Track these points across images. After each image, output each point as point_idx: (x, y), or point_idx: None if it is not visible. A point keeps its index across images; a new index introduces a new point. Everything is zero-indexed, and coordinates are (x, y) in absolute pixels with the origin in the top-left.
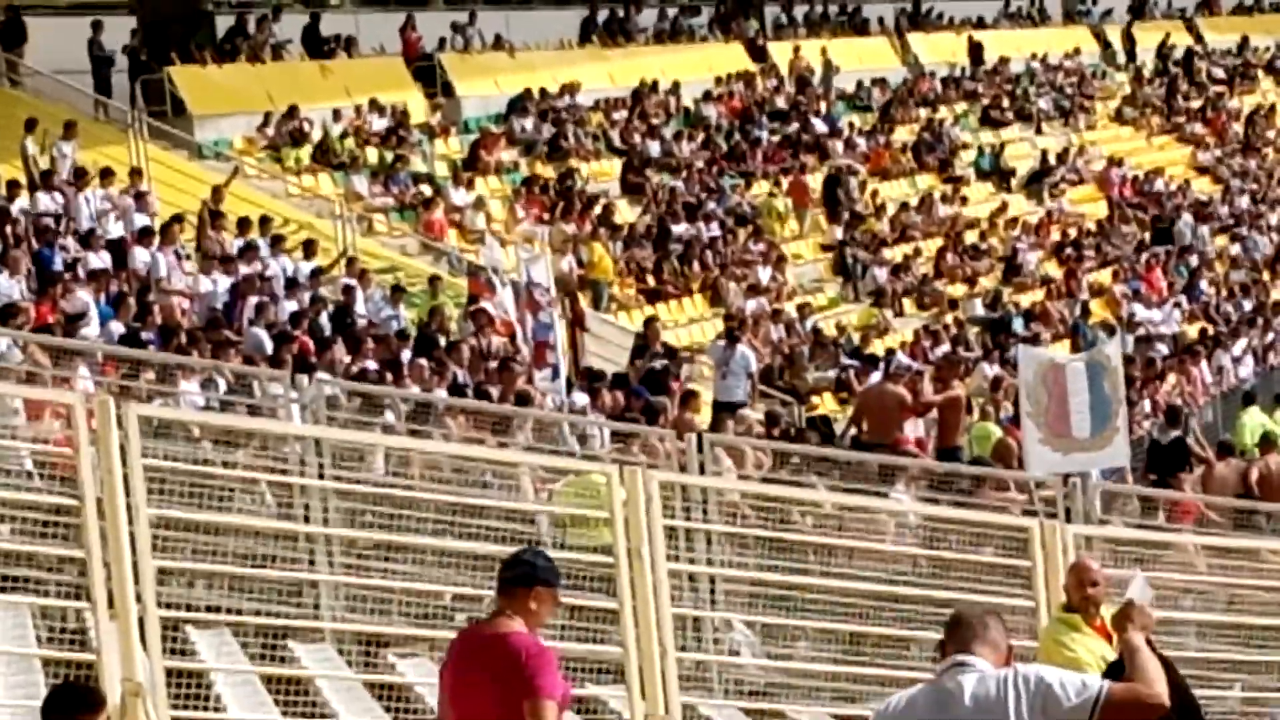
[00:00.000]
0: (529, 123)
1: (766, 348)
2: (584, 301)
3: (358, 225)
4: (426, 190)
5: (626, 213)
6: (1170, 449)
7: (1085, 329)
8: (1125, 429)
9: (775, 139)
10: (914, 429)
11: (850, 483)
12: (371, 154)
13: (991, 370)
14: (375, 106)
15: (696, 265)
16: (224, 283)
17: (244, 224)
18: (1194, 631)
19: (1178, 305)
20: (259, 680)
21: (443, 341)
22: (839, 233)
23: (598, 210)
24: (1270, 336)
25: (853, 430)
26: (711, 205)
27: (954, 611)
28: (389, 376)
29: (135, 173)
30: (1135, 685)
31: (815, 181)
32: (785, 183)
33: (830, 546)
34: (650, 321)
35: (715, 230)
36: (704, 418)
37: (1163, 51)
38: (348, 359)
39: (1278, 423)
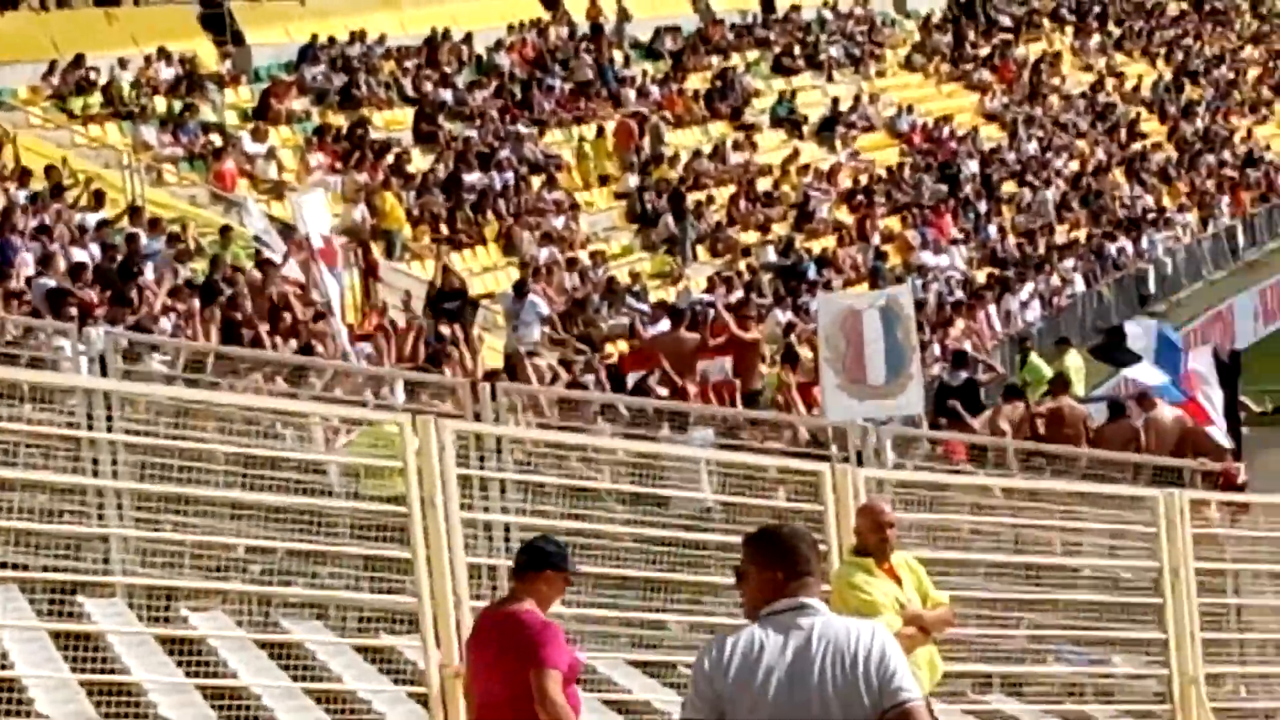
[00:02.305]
0: (320, 71)
1: (560, 296)
2: (377, 251)
3: (146, 175)
4: (217, 140)
5: (419, 161)
6: (960, 391)
7: (884, 271)
8: (919, 376)
9: (568, 87)
10: (718, 373)
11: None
12: (160, 103)
13: (784, 317)
14: (164, 55)
15: (490, 214)
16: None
17: (26, 175)
18: (983, 572)
19: (966, 250)
20: (48, 636)
21: (229, 292)
22: (633, 180)
23: (390, 159)
24: (1056, 281)
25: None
26: (505, 153)
27: (786, 533)
28: (179, 327)
29: None
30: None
31: (609, 129)
32: (610, 126)
33: (624, 493)
34: (444, 269)
35: (509, 179)
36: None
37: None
38: (137, 310)
39: (1063, 366)
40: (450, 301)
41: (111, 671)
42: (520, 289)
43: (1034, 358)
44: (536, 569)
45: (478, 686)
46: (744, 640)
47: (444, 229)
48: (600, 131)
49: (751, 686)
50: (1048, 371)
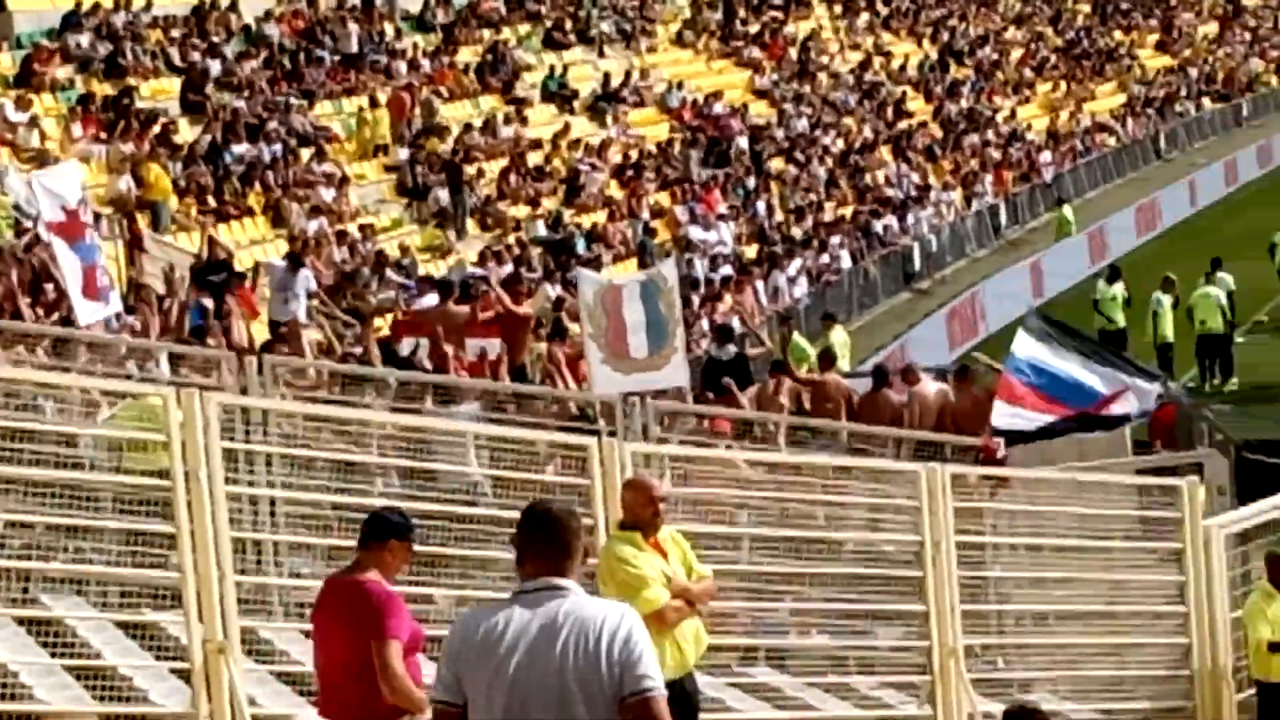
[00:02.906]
0: (85, 39)
1: (329, 269)
2: (142, 222)
3: None
4: None
5: (186, 132)
6: (729, 366)
7: (652, 247)
8: (683, 348)
9: (338, 59)
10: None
11: (413, 403)
12: None
13: (554, 291)
14: None
15: (258, 186)
16: None
17: None
18: (749, 546)
19: (735, 226)
20: None
21: None
22: (403, 154)
23: (156, 129)
24: (825, 258)
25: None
26: (273, 125)
27: (539, 508)
28: None
29: None
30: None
31: (382, 101)
32: (384, 97)
33: (391, 467)
34: (210, 240)
35: (278, 150)
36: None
37: None
38: None
39: (829, 342)
40: (216, 274)
41: None
42: (295, 261)
43: (796, 337)
44: (381, 539)
45: (322, 655)
46: (490, 618)
47: (211, 200)
48: (374, 103)
49: (490, 664)
50: (811, 350)
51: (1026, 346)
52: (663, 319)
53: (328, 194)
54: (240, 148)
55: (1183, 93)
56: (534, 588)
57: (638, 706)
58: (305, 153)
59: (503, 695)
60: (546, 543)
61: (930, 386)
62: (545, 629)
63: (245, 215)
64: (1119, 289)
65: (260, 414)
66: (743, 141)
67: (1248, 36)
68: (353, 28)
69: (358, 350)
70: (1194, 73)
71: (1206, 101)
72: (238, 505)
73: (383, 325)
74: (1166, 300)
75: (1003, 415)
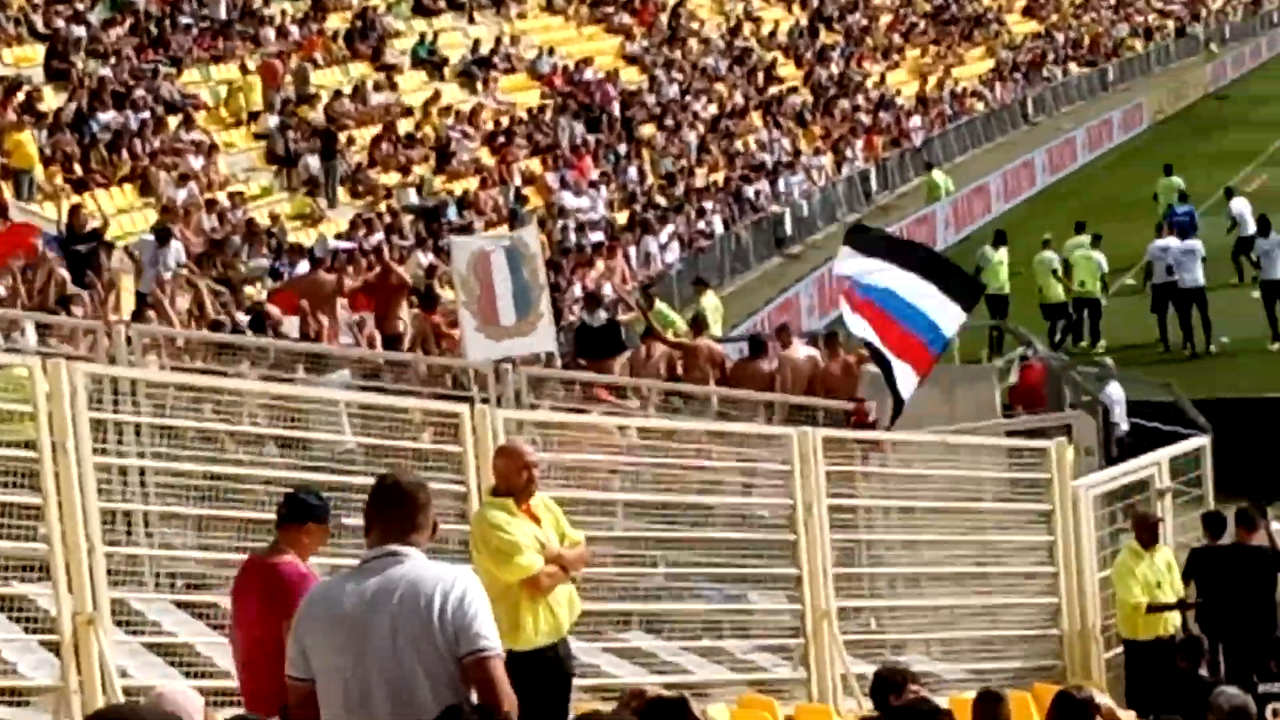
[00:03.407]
0: None
1: (199, 237)
2: (7, 191)
3: None
4: None
5: (51, 100)
6: (601, 332)
7: (523, 214)
8: (550, 314)
9: (206, 26)
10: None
11: (289, 372)
12: None
13: (426, 258)
14: None
15: (125, 154)
16: None
17: None
18: (622, 511)
19: (606, 192)
20: None
21: None
22: (272, 122)
23: (20, 97)
24: (698, 224)
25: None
26: (140, 93)
27: (388, 480)
28: None
29: None
30: (504, 686)
31: (252, 68)
32: (253, 64)
33: (263, 436)
34: (75, 209)
35: (145, 118)
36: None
37: None
38: None
39: (701, 308)
40: (83, 243)
41: None
42: (163, 236)
43: (659, 303)
44: (299, 521)
45: (240, 634)
46: (331, 590)
47: (77, 169)
48: (245, 70)
49: (330, 635)
50: (675, 316)
51: (850, 264)
52: (527, 285)
53: (196, 162)
54: (107, 115)
55: (1050, 58)
56: (374, 555)
57: (473, 666)
58: (173, 121)
59: (345, 665)
60: (393, 513)
61: (801, 352)
62: (380, 594)
63: (112, 184)
64: (1004, 253)
65: (129, 384)
66: (614, 108)
67: (1113, 1)
68: None
69: (226, 319)
70: (1060, 38)
71: (1073, 66)
72: (106, 476)
73: (252, 293)
74: (1054, 259)
75: (858, 325)
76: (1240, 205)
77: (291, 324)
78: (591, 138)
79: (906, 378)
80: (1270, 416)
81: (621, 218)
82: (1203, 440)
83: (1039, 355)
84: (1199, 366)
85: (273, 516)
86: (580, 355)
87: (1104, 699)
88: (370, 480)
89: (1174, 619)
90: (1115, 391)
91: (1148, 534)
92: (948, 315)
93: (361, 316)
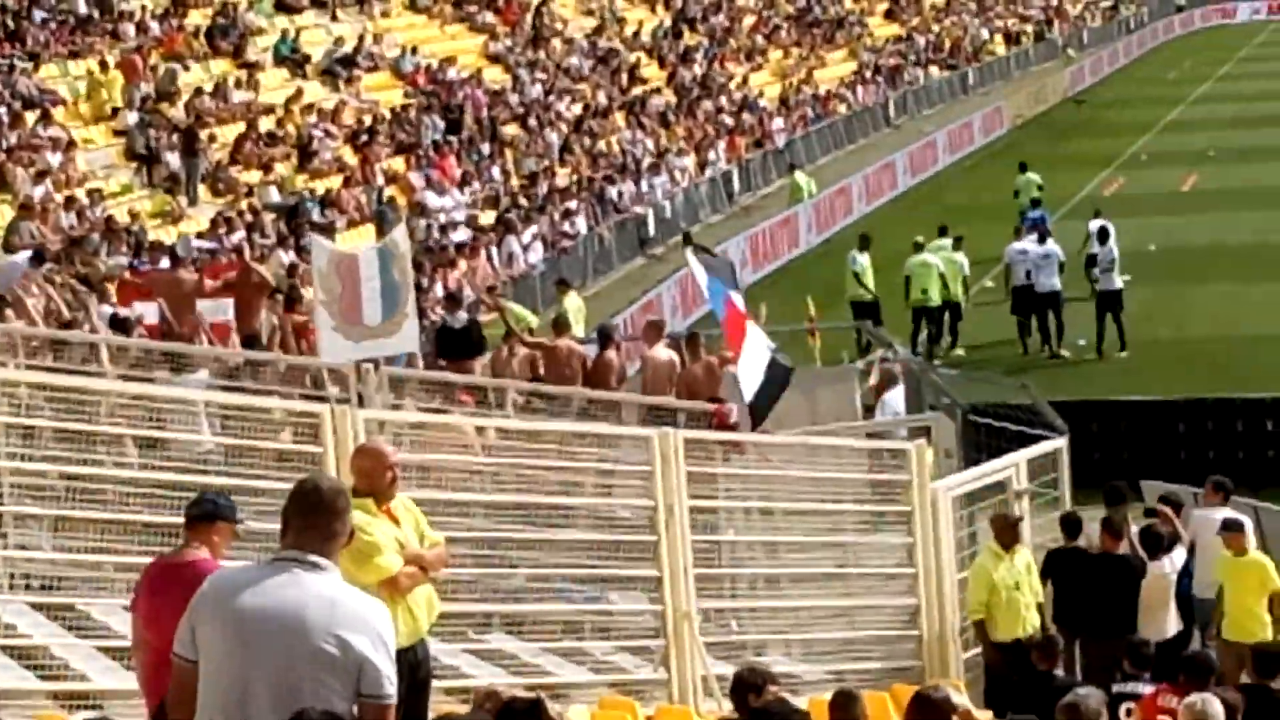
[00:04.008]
0: None
1: (57, 235)
2: None
3: None
4: None
5: None
6: (461, 334)
7: (389, 215)
8: (415, 314)
9: (62, 19)
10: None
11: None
12: None
13: (287, 257)
14: None
15: None
16: None
17: None
18: (483, 512)
19: (469, 192)
20: None
21: None
22: (132, 118)
23: None
24: (561, 225)
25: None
26: None
27: (308, 484)
28: None
29: None
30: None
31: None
32: (112, 60)
33: (120, 436)
34: None
35: (2, 114)
36: None
37: None
38: None
39: (563, 308)
40: None
41: None
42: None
43: (512, 305)
44: (208, 520)
45: (151, 633)
46: (233, 580)
47: None
48: (104, 66)
49: (228, 623)
50: (529, 315)
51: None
52: (396, 284)
53: (54, 158)
54: None
55: (911, 60)
56: (290, 557)
57: (371, 709)
58: (30, 116)
59: (233, 654)
60: (311, 519)
61: (662, 353)
62: (288, 601)
63: None
64: (867, 258)
65: None
66: (477, 108)
67: (974, 6)
68: None
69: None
70: (922, 41)
71: (934, 69)
72: None
73: (110, 289)
74: (924, 261)
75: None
76: (1096, 224)
77: (149, 310)
78: (454, 137)
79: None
80: (1125, 418)
81: (485, 218)
82: (1060, 442)
83: (899, 357)
84: (1057, 369)
85: (130, 517)
86: (441, 355)
87: (961, 699)
88: (229, 481)
89: (1033, 619)
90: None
91: (1008, 534)
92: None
93: (218, 306)
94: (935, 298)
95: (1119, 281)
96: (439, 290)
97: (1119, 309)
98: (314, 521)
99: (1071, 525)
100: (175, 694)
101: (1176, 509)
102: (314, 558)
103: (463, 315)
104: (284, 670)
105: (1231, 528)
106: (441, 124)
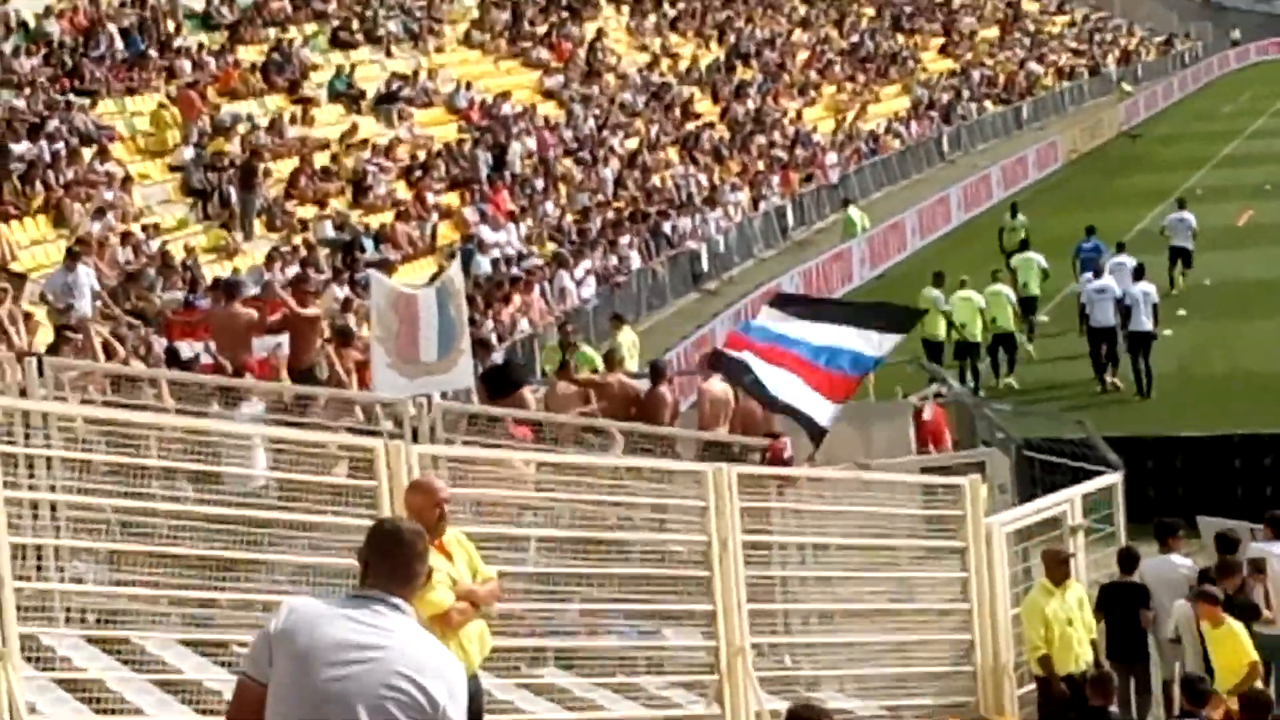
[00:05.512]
0: None
1: (114, 270)
2: None
3: None
4: None
5: None
6: (500, 370)
7: (441, 248)
8: (470, 350)
9: (121, 57)
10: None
11: (197, 405)
12: None
13: (341, 292)
14: None
15: (39, 185)
16: None
17: None
18: (536, 547)
19: (523, 227)
20: None
21: None
22: (188, 154)
23: None
24: (613, 259)
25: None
26: (55, 124)
27: (387, 525)
28: None
29: None
30: None
31: (169, 100)
32: (160, 98)
33: (174, 470)
34: None
35: (59, 149)
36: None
37: None
38: None
39: (617, 343)
40: None
41: None
42: (72, 255)
43: (585, 347)
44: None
45: None
46: (321, 607)
47: None
48: (165, 102)
49: (308, 654)
50: (598, 359)
51: (762, 318)
52: (452, 321)
53: (110, 194)
54: (20, 146)
55: (965, 95)
56: (375, 596)
57: None
58: (87, 152)
59: (308, 683)
60: (389, 561)
61: (717, 386)
62: (373, 637)
63: (25, 215)
64: (940, 292)
65: (41, 417)
66: (530, 142)
67: (1027, 41)
68: (135, 25)
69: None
70: (976, 76)
71: (988, 104)
72: (17, 510)
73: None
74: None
75: (737, 365)
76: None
77: (198, 349)
78: (508, 172)
79: (818, 405)
80: (1181, 453)
81: (538, 252)
82: (1115, 477)
83: (953, 393)
84: (1110, 404)
85: (185, 551)
86: (492, 397)
87: None
88: (282, 515)
89: (1086, 654)
90: None
91: (1059, 570)
92: (870, 343)
93: (277, 343)
94: (976, 333)
95: (1148, 322)
96: (490, 325)
97: (1146, 350)
98: (396, 564)
99: (1128, 560)
100: (236, 712)
101: (1234, 545)
102: (396, 599)
103: (496, 359)
104: (357, 704)
105: None
106: (495, 159)
